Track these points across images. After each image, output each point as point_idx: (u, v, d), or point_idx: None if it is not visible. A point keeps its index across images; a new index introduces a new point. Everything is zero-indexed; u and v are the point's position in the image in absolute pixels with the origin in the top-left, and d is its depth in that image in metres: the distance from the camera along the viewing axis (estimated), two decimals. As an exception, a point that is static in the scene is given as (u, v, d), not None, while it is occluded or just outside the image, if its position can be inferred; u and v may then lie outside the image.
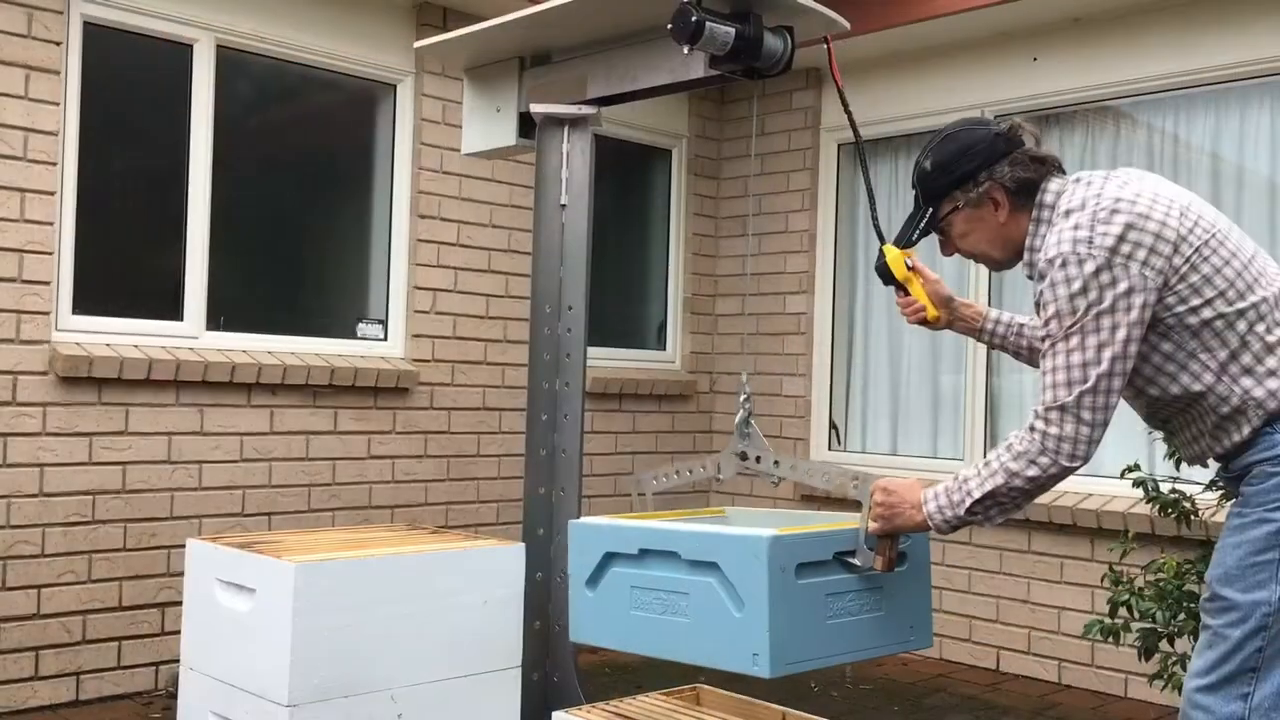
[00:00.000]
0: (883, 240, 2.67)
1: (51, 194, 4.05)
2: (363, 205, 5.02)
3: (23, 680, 3.98)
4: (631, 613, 2.53)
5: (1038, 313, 2.21)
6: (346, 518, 4.72)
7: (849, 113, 2.77)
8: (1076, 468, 2.14)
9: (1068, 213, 2.18)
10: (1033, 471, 2.14)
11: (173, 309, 4.42)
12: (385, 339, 4.98)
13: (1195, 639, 3.63)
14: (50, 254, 4.05)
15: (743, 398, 2.73)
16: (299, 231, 4.93)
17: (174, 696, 4.02)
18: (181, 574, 3.81)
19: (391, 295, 5.00)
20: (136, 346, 4.25)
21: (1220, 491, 3.70)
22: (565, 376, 3.13)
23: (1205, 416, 2.19)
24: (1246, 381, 2.11)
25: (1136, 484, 3.74)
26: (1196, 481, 3.85)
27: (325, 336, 4.81)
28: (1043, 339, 2.15)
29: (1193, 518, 3.69)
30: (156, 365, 4.21)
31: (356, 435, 4.78)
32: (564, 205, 3.13)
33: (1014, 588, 4.93)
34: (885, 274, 2.67)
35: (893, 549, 2.38)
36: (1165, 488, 3.74)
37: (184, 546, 3.00)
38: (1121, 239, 2.10)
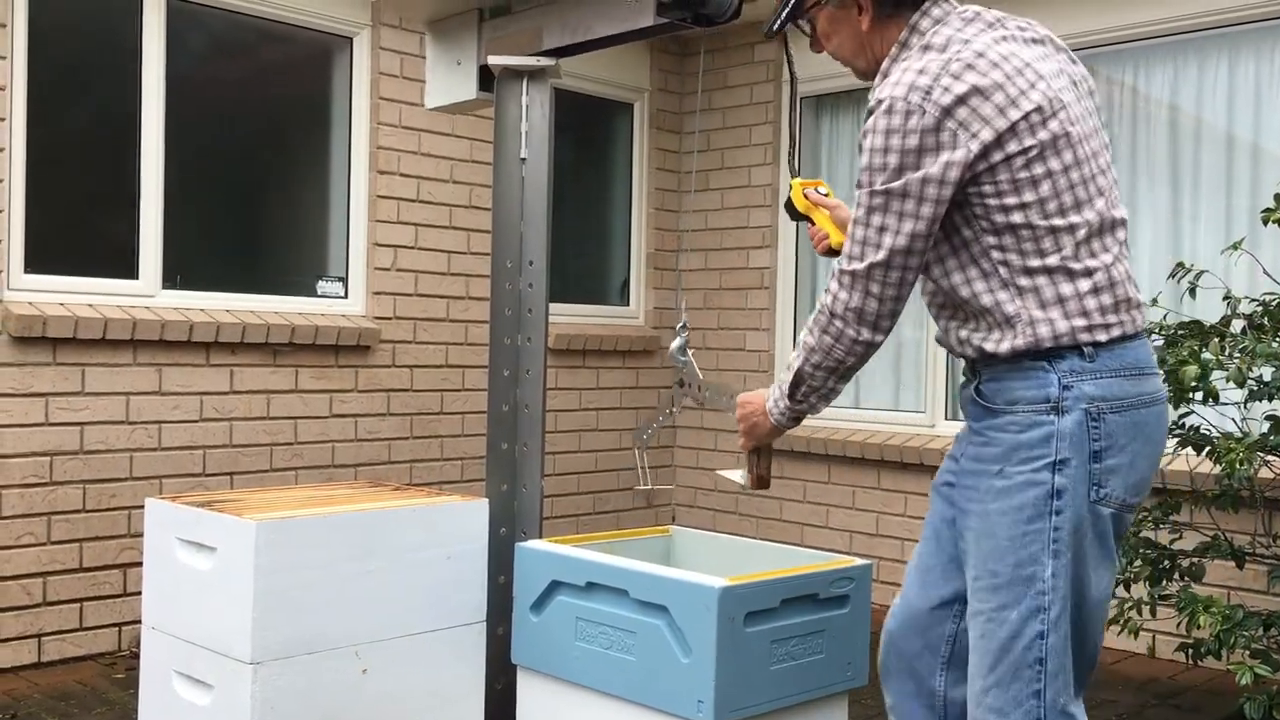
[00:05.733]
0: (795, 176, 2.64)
1: (0, 150, 3.97)
2: (321, 161, 4.95)
3: (-17, 643, 3.96)
4: (576, 643, 2.55)
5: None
6: (309, 477, 4.70)
7: (789, 54, 2.75)
8: (866, 340, 1.97)
9: (925, 48, 1.96)
10: (826, 341, 1.99)
11: (128, 267, 4.35)
12: (346, 297, 4.94)
13: (1151, 584, 3.72)
14: (0, 211, 3.97)
15: (679, 325, 2.80)
16: (256, 188, 4.86)
17: (137, 657, 4.00)
18: (142, 534, 3.78)
19: (351, 252, 4.95)
20: (91, 306, 4.19)
21: (1177, 439, 3.76)
22: (527, 332, 3.11)
23: (979, 318, 1.97)
24: (1030, 300, 1.90)
25: (1094, 434, 3.78)
26: (1153, 430, 3.90)
27: (285, 294, 4.77)
28: (856, 184, 1.97)
29: (1149, 466, 3.73)
30: (112, 324, 4.16)
31: (318, 394, 4.74)
32: (524, 159, 3.10)
33: (974, 538, 4.99)
34: (791, 209, 2.62)
35: (761, 464, 2.35)
36: (1122, 437, 3.78)
37: (144, 507, 2.98)
38: (961, 100, 1.86)
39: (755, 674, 2.38)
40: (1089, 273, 1.90)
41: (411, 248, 5.04)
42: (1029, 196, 1.88)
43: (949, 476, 2.11)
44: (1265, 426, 3.54)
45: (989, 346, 1.94)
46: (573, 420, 5.65)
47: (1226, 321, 3.64)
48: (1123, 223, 1.98)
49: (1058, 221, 1.89)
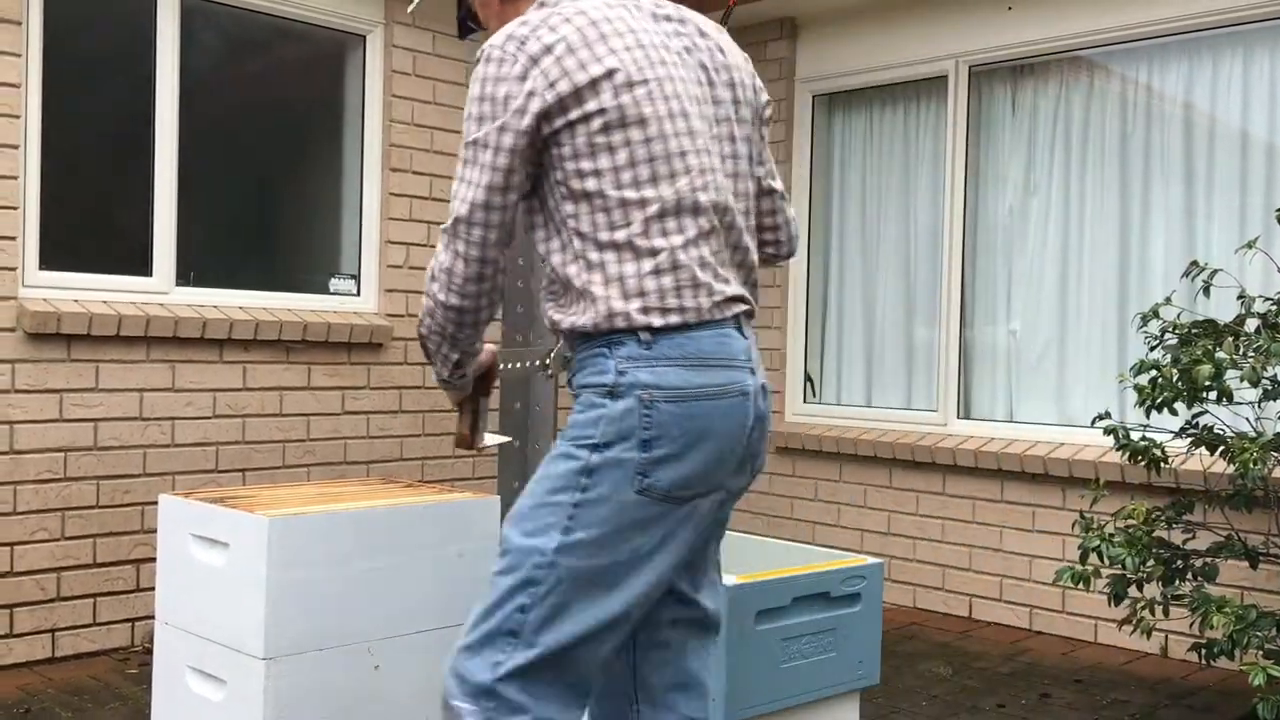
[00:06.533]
0: None
1: (15, 147, 3.99)
2: (333, 159, 4.97)
3: (-3, 638, 3.98)
4: None
5: None
6: (321, 473, 4.72)
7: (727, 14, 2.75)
8: (454, 305, 1.91)
9: (540, 6, 1.92)
10: (428, 304, 1.94)
11: (141, 264, 4.37)
12: (358, 294, 4.95)
13: (1164, 584, 3.71)
14: (15, 209, 3.99)
15: None
16: (269, 186, 4.88)
17: (150, 652, 4.02)
18: (155, 530, 3.79)
19: (364, 250, 4.96)
20: (105, 302, 4.21)
21: (1190, 439, 3.75)
22: (538, 330, 3.12)
23: (562, 293, 1.91)
24: (596, 276, 1.84)
25: (1107, 432, 3.78)
26: (1167, 429, 3.89)
27: (297, 292, 4.78)
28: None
29: (1162, 465, 3.73)
30: (126, 321, 4.17)
31: (330, 391, 4.76)
32: (536, 156, 3.10)
33: (987, 536, 4.98)
34: None
35: (462, 422, 2.21)
36: (1135, 436, 3.77)
37: (157, 503, 2.99)
38: (548, 50, 1.82)
39: (766, 672, 2.38)
40: (654, 253, 1.82)
41: (424, 245, 5.05)
42: (604, 163, 1.82)
43: None
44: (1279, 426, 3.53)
45: (563, 321, 1.89)
46: (584, 418, 5.65)
47: (1241, 320, 3.62)
48: (714, 209, 1.88)
49: (629, 194, 1.82)
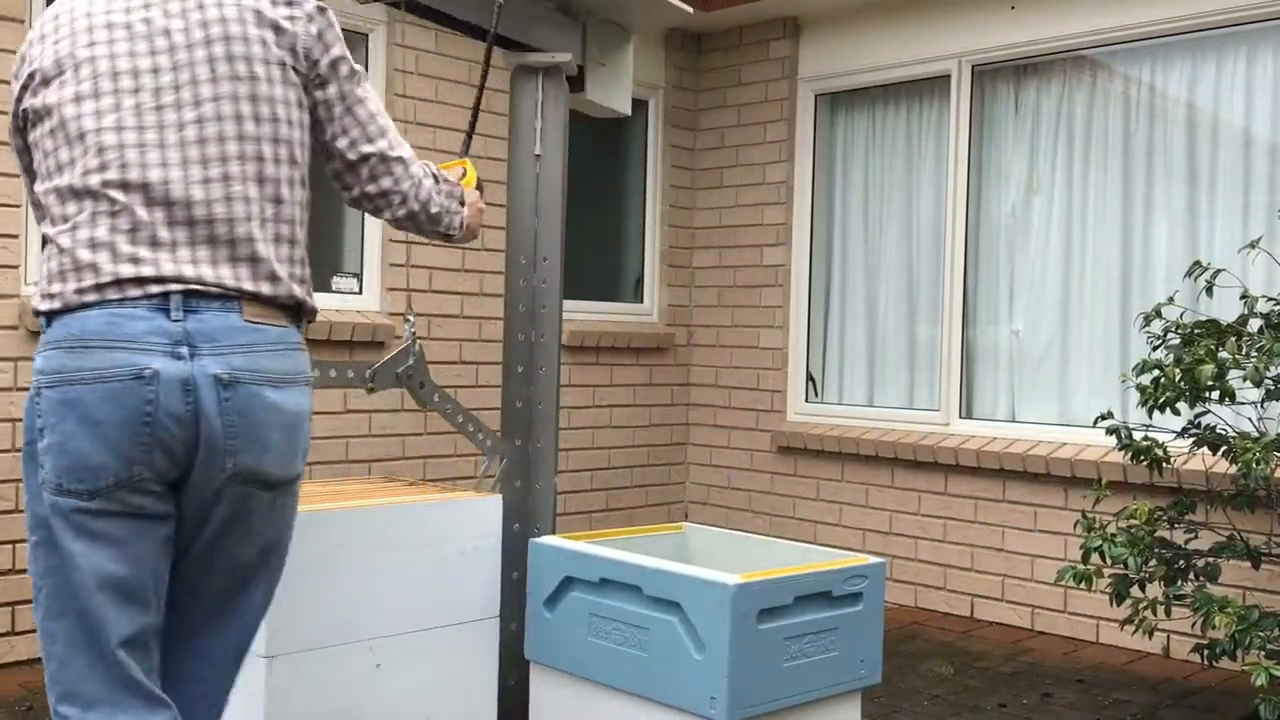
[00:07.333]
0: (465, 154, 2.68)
1: (17, 146, 3.99)
2: (336, 157, 4.96)
3: (0, 635, 3.98)
4: (589, 639, 2.56)
5: None
6: (323, 473, 4.72)
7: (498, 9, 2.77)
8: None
9: None
10: None
11: (144, 263, 4.37)
12: (360, 292, 4.95)
13: (1166, 584, 3.71)
14: (17, 206, 4.00)
15: (409, 327, 2.83)
16: (271, 184, 4.87)
17: (153, 650, 4.02)
18: (158, 529, 3.76)
19: (366, 249, 4.96)
20: (108, 301, 4.21)
21: (1193, 439, 3.75)
22: (541, 329, 3.12)
23: None
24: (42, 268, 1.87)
25: (1109, 432, 3.78)
26: (1169, 429, 3.89)
27: (299, 290, 4.78)
28: None
29: (1165, 465, 3.72)
30: (128, 320, 4.17)
31: (331, 390, 4.76)
32: (538, 156, 3.11)
33: (989, 536, 4.98)
34: (479, 184, 2.68)
35: None
36: (1138, 436, 3.77)
37: (159, 500, 2.99)
38: (18, 63, 1.96)
39: (769, 671, 2.38)
40: (47, 240, 1.84)
41: (426, 244, 5.05)
42: (37, 161, 1.90)
43: None
44: (1282, 426, 3.53)
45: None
46: (586, 417, 5.66)
47: (1243, 320, 3.62)
48: (122, 186, 1.80)
49: (43, 186, 1.86)
